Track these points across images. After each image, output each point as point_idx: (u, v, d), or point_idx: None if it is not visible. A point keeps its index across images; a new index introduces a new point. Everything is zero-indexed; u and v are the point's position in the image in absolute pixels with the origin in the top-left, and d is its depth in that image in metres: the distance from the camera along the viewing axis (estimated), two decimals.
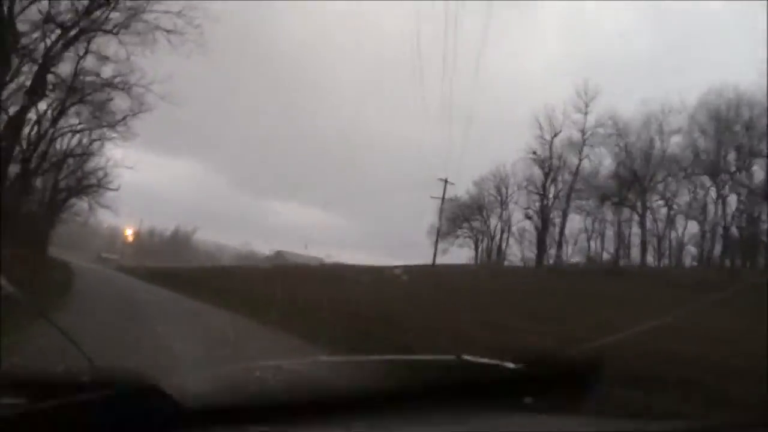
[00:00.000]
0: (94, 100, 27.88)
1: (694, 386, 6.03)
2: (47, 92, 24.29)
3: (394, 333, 9.68)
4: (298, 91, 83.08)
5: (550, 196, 37.75)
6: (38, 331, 4.19)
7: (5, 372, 1.39)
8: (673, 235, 36.22)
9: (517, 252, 40.68)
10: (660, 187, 34.76)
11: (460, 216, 41.06)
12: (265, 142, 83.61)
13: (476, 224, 42.16)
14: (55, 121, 28.88)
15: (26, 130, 27.28)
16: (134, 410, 1.01)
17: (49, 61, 22.90)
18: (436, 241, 37.39)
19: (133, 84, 26.06)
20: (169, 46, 23.63)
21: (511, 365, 1.56)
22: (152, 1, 23.18)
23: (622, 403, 4.24)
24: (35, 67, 22.72)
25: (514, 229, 40.97)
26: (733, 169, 32.09)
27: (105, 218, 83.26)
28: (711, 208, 33.39)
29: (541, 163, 36.98)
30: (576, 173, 35.89)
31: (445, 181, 35.75)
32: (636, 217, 35.43)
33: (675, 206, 34.95)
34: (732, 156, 32.12)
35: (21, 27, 21.24)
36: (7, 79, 21.10)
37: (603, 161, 35.96)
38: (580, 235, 38.42)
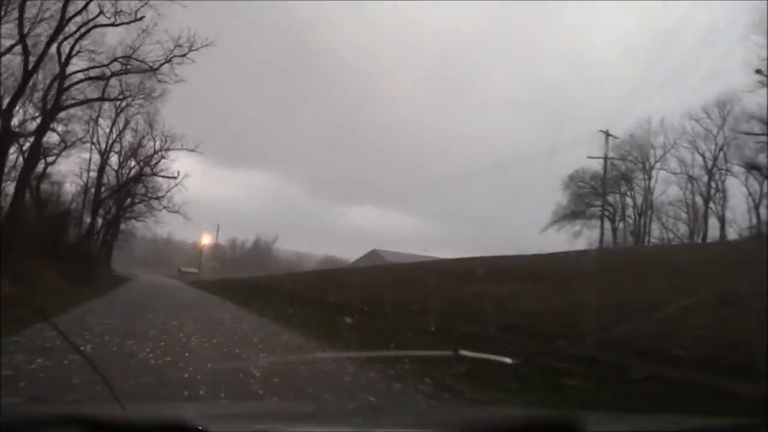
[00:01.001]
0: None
1: None
2: None
3: None
4: (363, 95, 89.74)
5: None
6: None
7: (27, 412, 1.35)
8: None
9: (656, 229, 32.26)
10: None
11: (593, 190, 32.98)
12: (336, 148, 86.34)
13: (612, 198, 33.89)
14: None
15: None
16: None
17: None
18: (602, 222, 29.35)
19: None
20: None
21: (508, 360, 1.70)
22: None
23: None
24: None
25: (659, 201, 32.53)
26: None
27: (189, 234, 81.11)
28: None
29: None
30: None
31: (606, 134, 27.51)
32: None
33: None
34: None
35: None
36: None
37: None
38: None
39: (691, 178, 31.65)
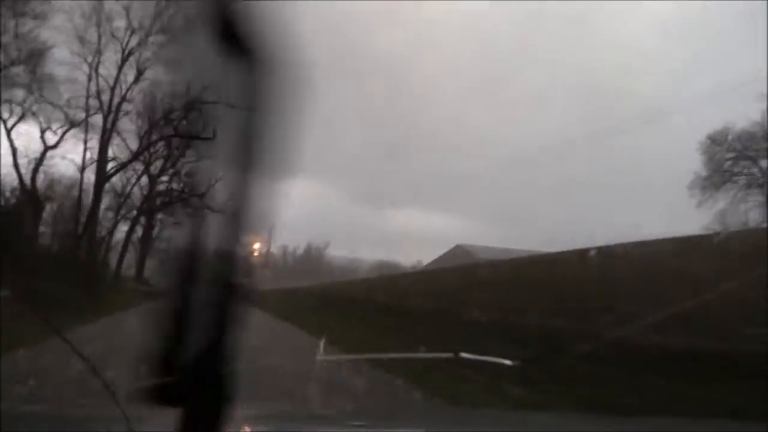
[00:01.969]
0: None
1: None
2: None
3: None
4: (404, 99, 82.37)
5: None
6: None
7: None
8: None
9: None
10: None
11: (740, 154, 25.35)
12: (376, 153, 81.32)
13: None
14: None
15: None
16: None
17: None
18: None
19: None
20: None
21: (508, 362, 1.54)
22: None
23: None
24: None
25: None
26: None
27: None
28: None
29: None
30: None
31: None
32: None
33: None
34: None
35: None
36: None
37: None
38: None
39: None
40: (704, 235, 14.31)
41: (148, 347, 0.67)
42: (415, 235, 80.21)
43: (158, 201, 32.79)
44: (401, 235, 79.13)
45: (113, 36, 23.90)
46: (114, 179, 27.62)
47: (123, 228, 30.76)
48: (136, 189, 30.29)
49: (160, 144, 28.16)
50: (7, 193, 20.37)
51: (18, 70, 20.32)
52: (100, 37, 23.58)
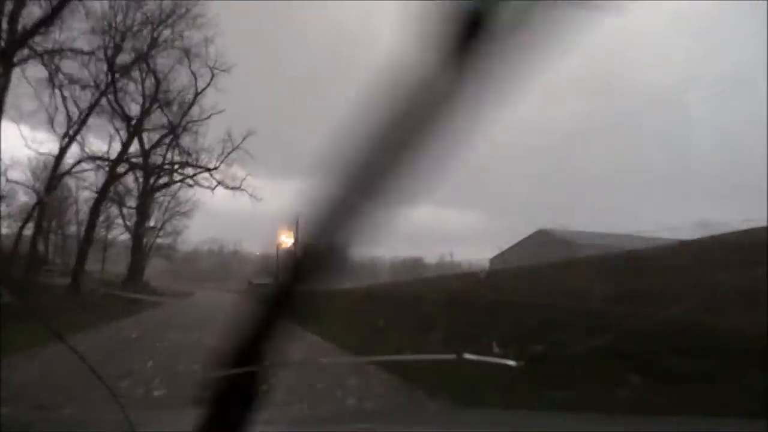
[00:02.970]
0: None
1: None
2: None
3: None
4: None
5: None
6: None
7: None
8: None
9: None
10: None
11: None
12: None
13: None
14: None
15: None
16: None
17: None
18: None
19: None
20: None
21: (512, 363, 1.37)
22: None
23: None
24: None
25: None
26: None
27: (257, 248, 75.91)
28: None
29: None
30: None
31: None
32: None
33: None
34: None
35: None
36: None
37: None
38: None
39: None
40: None
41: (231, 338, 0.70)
42: (433, 230, 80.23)
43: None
44: (418, 230, 78.62)
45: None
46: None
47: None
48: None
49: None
50: None
51: None
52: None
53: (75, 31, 19.56)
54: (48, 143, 22.05)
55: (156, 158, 29.61)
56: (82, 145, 23.55)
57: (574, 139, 63.24)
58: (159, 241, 49.46)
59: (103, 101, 22.73)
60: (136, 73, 24.10)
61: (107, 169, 24.48)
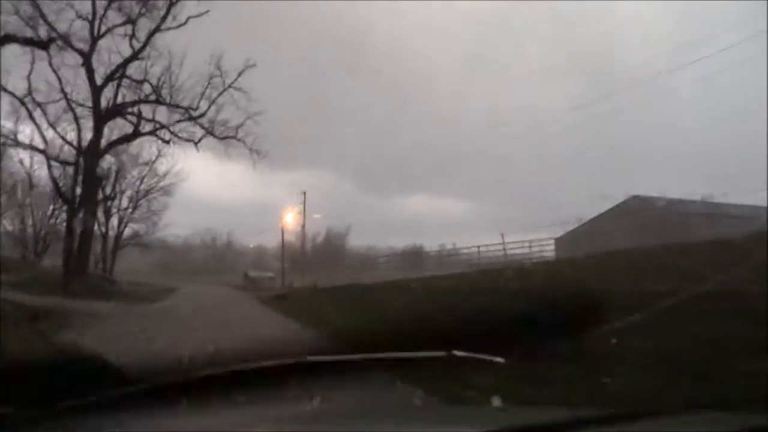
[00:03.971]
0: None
1: None
2: None
3: None
4: (402, 86, 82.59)
5: None
6: None
7: None
8: None
9: None
10: None
11: None
12: (381, 140, 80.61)
13: None
14: None
15: None
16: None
17: None
18: None
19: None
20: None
21: (500, 360, 1.55)
22: None
23: None
24: None
25: None
26: None
27: (251, 239, 73.10)
28: None
29: None
30: None
31: None
32: None
33: None
34: None
35: None
36: None
37: None
38: None
39: None
40: None
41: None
42: (428, 219, 78.49)
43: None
44: (415, 220, 77.17)
45: None
46: None
47: None
48: None
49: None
50: None
51: None
52: None
53: None
54: None
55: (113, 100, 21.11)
56: None
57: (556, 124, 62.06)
58: (133, 226, 41.37)
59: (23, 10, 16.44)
60: None
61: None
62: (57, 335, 9.16)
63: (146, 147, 29.01)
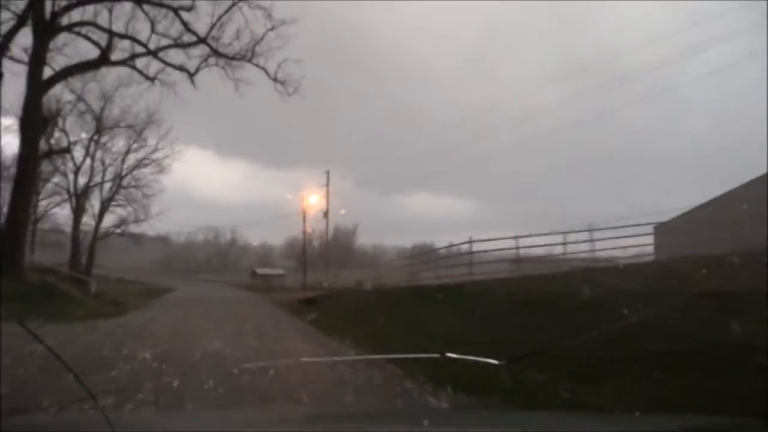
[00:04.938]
0: None
1: None
2: None
3: None
4: (403, 87, 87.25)
5: None
6: None
7: None
8: None
9: None
10: None
11: None
12: (380, 139, 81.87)
13: None
14: None
15: None
16: None
17: None
18: None
19: None
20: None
21: (494, 362, 1.50)
22: None
23: None
24: None
25: None
26: None
27: (256, 237, 70.87)
28: None
29: None
30: None
31: None
32: None
33: None
34: None
35: None
36: None
37: None
38: None
39: None
40: None
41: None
42: (432, 218, 77.13)
43: None
44: (413, 219, 77.10)
45: None
46: None
47: None
48: None
49: None
50: None
51: None
52: None
53: None
54: None
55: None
56: None
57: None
58: (119, 212, 29.96)
59: None
60: None
61: None
62: None
63: (123, 90, 20.75)
